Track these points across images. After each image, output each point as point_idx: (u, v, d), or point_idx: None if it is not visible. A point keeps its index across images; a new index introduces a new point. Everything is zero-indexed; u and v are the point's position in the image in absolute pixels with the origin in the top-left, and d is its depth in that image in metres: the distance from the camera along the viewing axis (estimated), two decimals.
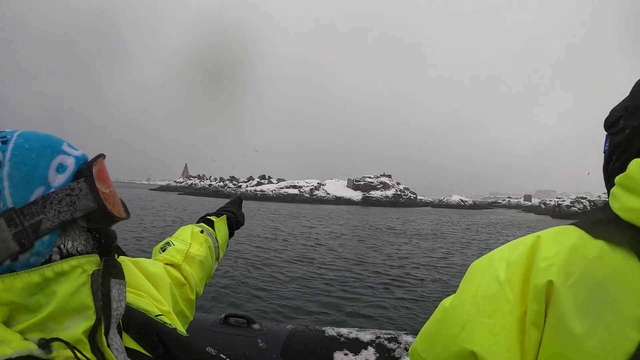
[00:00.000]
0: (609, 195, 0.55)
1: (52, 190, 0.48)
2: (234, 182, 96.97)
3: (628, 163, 0.50)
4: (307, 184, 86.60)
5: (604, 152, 0.59)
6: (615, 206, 0.46)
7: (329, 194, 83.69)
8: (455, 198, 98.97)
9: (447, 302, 0.54)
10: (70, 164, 0.52)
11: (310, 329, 1.99)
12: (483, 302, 0.46)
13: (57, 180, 0.49)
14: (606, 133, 0.59)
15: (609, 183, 0.55)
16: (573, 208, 69.66)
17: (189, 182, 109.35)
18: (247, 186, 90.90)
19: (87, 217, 0.51)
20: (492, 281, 0.47)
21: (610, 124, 0.57)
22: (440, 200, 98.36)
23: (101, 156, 0.57)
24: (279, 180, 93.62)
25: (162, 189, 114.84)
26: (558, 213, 69.21)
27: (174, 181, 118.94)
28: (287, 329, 1.95)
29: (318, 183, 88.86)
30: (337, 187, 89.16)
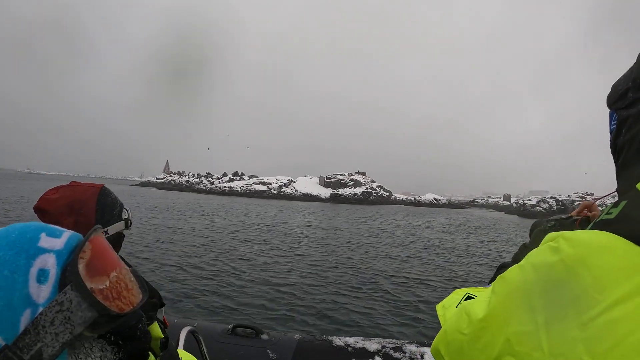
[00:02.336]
0: (617, 175, 0.52)
1: (40, 309, 0.41)
2: (209, 179, 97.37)
3: (638, 137, 0.47)
4: (277, 180, 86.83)
5: (610, 131, 0.56)
6: None
7: (297, 190, 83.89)
8: (428, 196, 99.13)
9: (474, 310, 0.47)
10: (52, 266, 0.43)
11: (318, 338, 2.01)
12: (515, 339, 0.40)
13: (42, 294, 0.41)
14: (610, 110, 0.56)
15: (620, 159, 0.52)
16: (537, 207, 70.19)
17: (169, 178, 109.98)
18: (219, 182, 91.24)
19: (91, 326, 0.42)
20: (527, 315, 0.40)
21: (616, 98, 0.54)
22: (414, 199, 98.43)
23: (90, 238, 0.48)
24: (251, 176, 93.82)
25: (142, 184, 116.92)
26: (523, 212, 69.73)
27: (156, 177, 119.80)
28: (295, 338, 1.97)
29: (288, 180, 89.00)
30: (308, 184, 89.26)
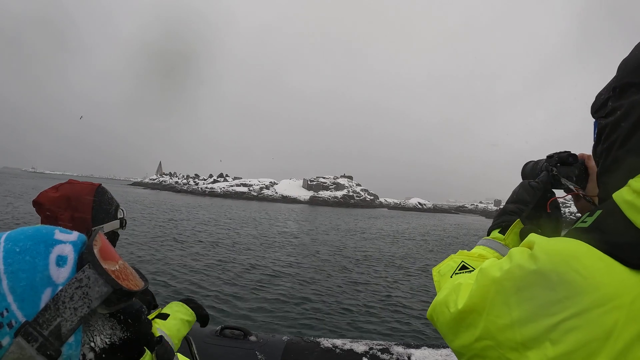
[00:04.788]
0: (597, 183, 0.55)
1: (60, 288, 0.46)
2: (195, 180, 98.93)
3: (615, 145, 0.50)
4: (259, 182, 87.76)
5: (593, 138, 0.58)
6: None
7: (276, 192, 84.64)
8: (413, 201, 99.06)
9: (460, 293, 0.53)
10: (69, 252, 0.49)
11: (306, 340, 2.03)
12: (493, 327, 0.45)
13: (61, 275, 0.47)
14: (594, 120, 0.58)
15: (598, 167, 0.55)
16: None
17: (161, 179, 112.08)
18: (203, 184, 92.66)
19: (105, 302, 0.48)
20: (502, 308, 0.44)
21: (598, 107, 0.56)
22: (398, 203, 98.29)
23: (99, 231, 0.54)
24: (235, 178, 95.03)
25: (135, 184, 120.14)
26: None
27: (149, 179, 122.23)
28: (283, 340, 1.99)
29: (270, 182, 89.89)
30: (290, 187, 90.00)
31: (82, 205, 1.06)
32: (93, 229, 1.06)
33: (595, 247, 0.41)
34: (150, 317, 1.12)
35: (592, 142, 0.58)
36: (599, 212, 0.45)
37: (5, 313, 0.43)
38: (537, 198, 0.76)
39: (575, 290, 0.39)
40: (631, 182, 0.44)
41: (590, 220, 0.45)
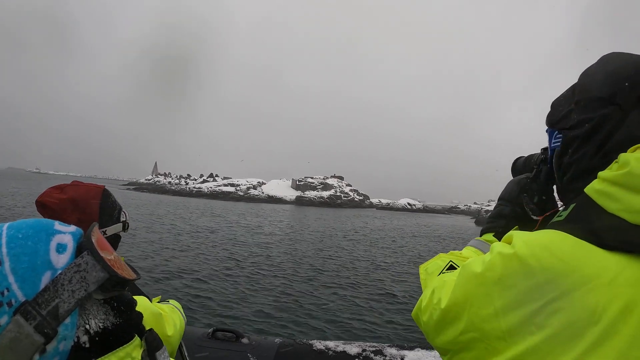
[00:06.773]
0: (563, 191, 0.59)
1: (59, 271, 0.48)
2: (186, 181, 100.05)
3: (586, 156, 0.52)
4: (247, 182, 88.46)
5: (550, 148, 0.61)
6: (615, 207, 0.42)
7: (263, 192, 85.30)
8: (402, 201, 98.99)
9: (445, 289, 0.54)
10: (69, 241, 0.52)
11: (299, 342, 2.03)
12: (477, 319, 0.47)
13: (61, 260, 0.49)
14: (551, 129, 0.60)
15: (565, 176, 0.57)
16: None
17: (156, 179, 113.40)
18: (193, 184, 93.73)
19: (101, 288, 0.50)
20: (485, 300, 0.46)
21: (559, 118, 0.58)
22: (387, 203, 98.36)
23: (95, 225, 0.57)
24: (224, 178, 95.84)
25: (130, 184, 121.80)
26: (479, 219, 68.95)
27: (145, 179, 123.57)
28: (276, 342, 1.99)
29: (258, 182, 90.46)
30: (278, 187, 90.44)
31: (89, 208, 1.07)
32: (91, 225, 1.00)
33: (572, 235, 0.43)
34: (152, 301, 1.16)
35: (548, 150, 0.61)
36: (572, 205, 0.48)
37: (5, 292, 0.45)
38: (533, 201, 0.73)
39: (555, 273, 0.40)
40: (600, 173, 0.47)
41: (565, 213, 0.48)
